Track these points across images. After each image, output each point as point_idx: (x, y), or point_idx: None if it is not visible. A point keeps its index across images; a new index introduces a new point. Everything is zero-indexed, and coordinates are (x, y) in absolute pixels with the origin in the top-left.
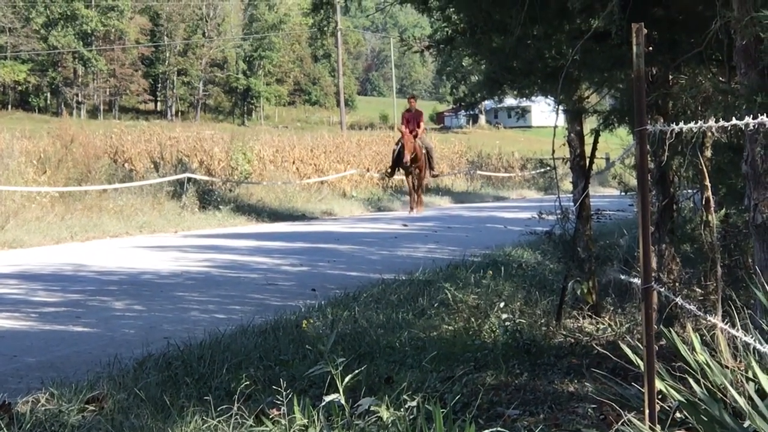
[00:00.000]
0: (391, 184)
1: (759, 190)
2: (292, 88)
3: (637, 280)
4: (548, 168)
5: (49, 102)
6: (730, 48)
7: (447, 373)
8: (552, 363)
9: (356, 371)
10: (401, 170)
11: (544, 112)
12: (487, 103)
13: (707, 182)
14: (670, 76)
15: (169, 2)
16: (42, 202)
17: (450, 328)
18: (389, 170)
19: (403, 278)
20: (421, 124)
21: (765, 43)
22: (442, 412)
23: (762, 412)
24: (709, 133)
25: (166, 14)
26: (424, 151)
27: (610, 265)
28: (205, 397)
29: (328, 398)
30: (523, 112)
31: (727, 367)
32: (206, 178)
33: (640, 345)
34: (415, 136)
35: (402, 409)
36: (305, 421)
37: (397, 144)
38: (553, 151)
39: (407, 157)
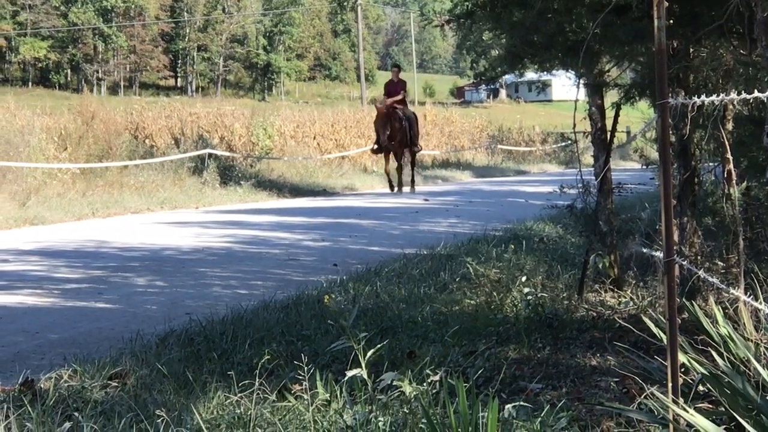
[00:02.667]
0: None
1: None
2: (312, 63)
3: (659, 254)
4: (569, 142)
5: (69, 79)
6: (751, 21)
7: (469, 348)
8: (574, 337)
9: (378, 346)
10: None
11: (565, 86)
12: (508, 78)
13: (729, 155)
14: (691, 49)
15: None
16: (63, 179)
17: (472, 302)
18: (374, 147)
19: (425, 253)
20: (403, 92)
21: None
22: (465, 386)
23: None
24: (731, 106)
25: None
26: (404, 124)
27: (632, 239)
28: (228, 373)
29: (350, 373)
30: (544, 86)
31: (749, 340)
32: (227, 153)
33: (662, 318)
34: (394, 110)
35: (424, 384)
36: (327, 395)
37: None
38: (574, 125)
39: (384, 137)
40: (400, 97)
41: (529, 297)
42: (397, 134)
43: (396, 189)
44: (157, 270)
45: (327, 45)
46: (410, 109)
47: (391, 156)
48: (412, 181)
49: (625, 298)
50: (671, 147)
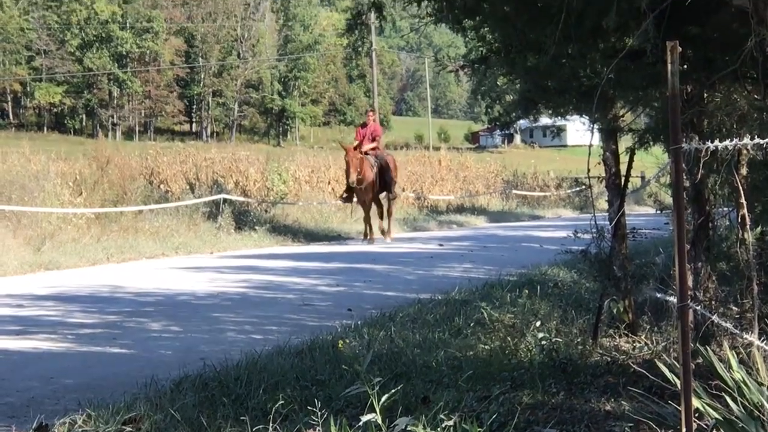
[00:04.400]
0: (427, 204)
1: None
2: (327, 108)
3: (673, 299)
4: (584, 187)
5: (84, 124)
6: (765, 65)
7: (484, 393)
8: (589, 382)
9: (393, 391)
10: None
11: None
12: (522, 122)
13: (743, 200)
14: (705, 94)
15: (204, 23)
16: (78, 224)
17: (486, 347)
18: (343, 194)
19: (440, 298)
20: (378, 138)
21: None
22: (479, 431)
23: None
24: (745, 151)
25: (200, 35)
26: (375, 169)
27: (646, 284)
28: (242, 418)
29: (364, 418)
30: (559, 131)
31: (763, 385)
32: (242, 198)
33: (676, 363)
34: (365, 153)
35: (439, 429)
36: None
37: (346, 158)
38: (589, 170)
39: (353, 177)
40: (376, 144)
41: (544, 342)
42: (365, 180)
43: (370, 238)
44: (171, 315)
45: (342, 90)
46: (386, 152)
47: (363, 205)
48: (388, 230)
49: (640, 343)
50: (685, 192)
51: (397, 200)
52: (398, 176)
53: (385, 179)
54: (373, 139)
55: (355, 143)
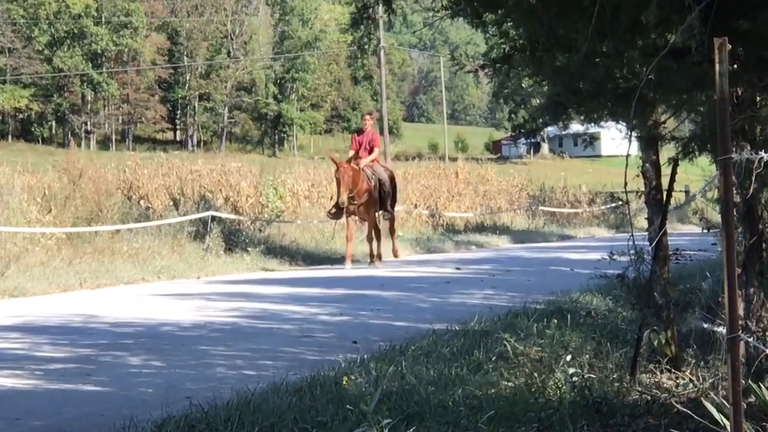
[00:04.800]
0: (442, 222)
1: None
2: (329, 114)
3: (722, 329)
4: (620, 203)
5: (54, 131)
6: None
7: None
8: (626, 423)
9: None
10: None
11: (615, 139)
12: (550, 130)
13: None
14: (758, 98)
15: (190, 18)
16: (47, 245)
17: (510, 384)
18: (331, 210)
19: (457, 328)
20: (376, 149)
21: None
22: None
23: None
24: None
25: (186, 32)
26: (373, 183)
27: (691, 313)
28: None
29: None
30: (591, 140)
31: None
32: (233, 216)
33: (725, 402)
34: (358, 166)
35: None
36: None
37: (337, 174)
38: (626, 184)
39: (343, 196)
40: (375, 156)
41: (575, 378)
42: (362, 195)
43: (370, 261)
44: (153, 348)
45: (346, 93)
46: (384, 165)
47: (351, 223)
48: (395, 249)
49: (684, 379)
50: (735, 208)
51: (395, 220)
52: (406, 191)
53: (381, 196)
54: (371, 150)
55: (351, 153)
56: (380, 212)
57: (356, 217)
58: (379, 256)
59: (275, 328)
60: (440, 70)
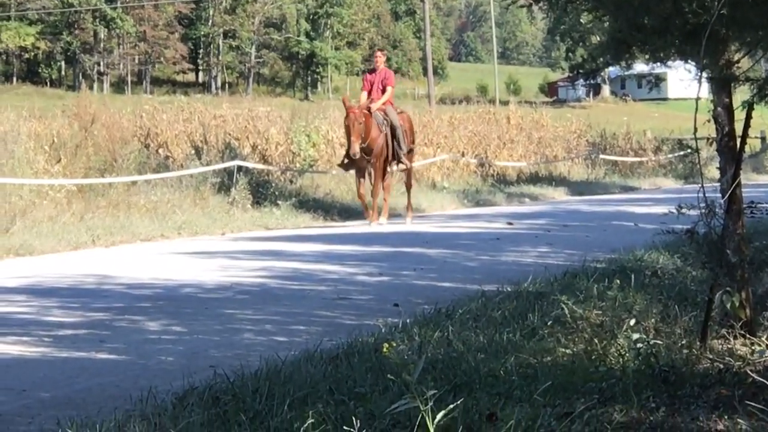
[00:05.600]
0: (492, 172)
1: None
2: (366, 53)
3: None
4: (689, 151)
5: (63, 73)
6: None
7: (564, 408)
8: (696, 394)
9: (451, 406)
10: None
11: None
12: (612, 70)
13: None
14: None
15: None
16: (56, 198)
17: (567, 351)
18: (343, 161)
19: (509, 290)
20: (389, 88)
21: None
22: None
23: None
24: None
25: None
26: (386, 130)
27: None
28: None
29: None
30: (657, 81)
31: None
32: (261, 166)
33: None
34: (370, 111)
35: None
36: None
37: (347, 121)
38: (695, 130)
39: (355, 148)
40: (388, 96)
41: (639, 345)
42: (375, 145)
43: (371, 218)
44: (173, 312)
45: (385, 30)
46: (398, 109)
47: (366, 174)
48: (409, 207)
49: (760, 345)
50: None
51: (412, 172)
52: (452, 137)
53: (395, 144)
54: (384, 90)
55: (363, 95)
56: (393, 164)
57: (368, 169)
58: (410, 208)
59: (308, 290)
60: (490, 4)
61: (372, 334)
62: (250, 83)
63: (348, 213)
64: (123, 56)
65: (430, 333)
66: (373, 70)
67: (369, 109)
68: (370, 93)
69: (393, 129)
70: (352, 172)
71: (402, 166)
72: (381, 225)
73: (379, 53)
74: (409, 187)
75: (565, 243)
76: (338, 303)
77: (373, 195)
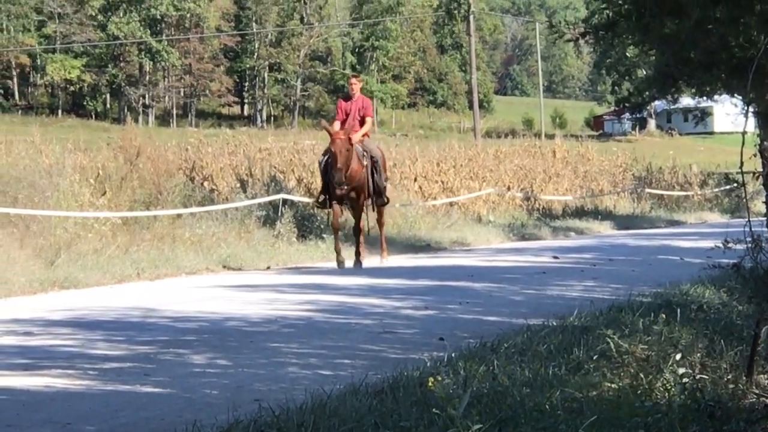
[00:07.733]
0: (538, 206)
1: None
2: (412, 86)
3: None
4: (735, 185)
5: (108, 106)
6: None
7: None
8: (742, 429)
9: None
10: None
11: (730, 114)
12: (658, 104)
13: None
14: None
15: None
16: (101, 231)
17: (613, 386)
18: (319, 198)
19: (554, 324)
20: (368, 119)
21: None
22: None
23: None
24: None
25: None
26: (366, 163)
27: None
28: None
29: None
30: (703, 115)
31: None
32: (306, 199)
33: None
34: (350, 141)
35: None
36: None
37: (324, 154)
38: (742, 164)
39: (339, 176)
40: (368, 128)
41: (685, 379)
42: (356, 177)
43: (353, 260)
44: (218, 345)
45: (431, 63)
46: (373, 141)
47: (337, 209)
48: (383, 246)
49: None
50: None
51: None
52: (498, 171)
53: (374, 179)
54: (363, 120)
55: (336, 124)
56: (372, 200)
57: (349, 204)
58: (383, 248)
59: (353, 324)
60: (536, 38)
61: (417, 368)
62: (296, 116)
63: (393, 246)
64: (168, 89)
65: (475, 367)
66: (348, 98)
67: (350, 139)
68: (343, 123)
69: (373, 162)
70: (326, 209)
71: (380, 201)
72: (388, 264)
73: (353, 80)
74: (381, 225)
75: (610, 277)
76: (383, 337)
77: (355, 233)
